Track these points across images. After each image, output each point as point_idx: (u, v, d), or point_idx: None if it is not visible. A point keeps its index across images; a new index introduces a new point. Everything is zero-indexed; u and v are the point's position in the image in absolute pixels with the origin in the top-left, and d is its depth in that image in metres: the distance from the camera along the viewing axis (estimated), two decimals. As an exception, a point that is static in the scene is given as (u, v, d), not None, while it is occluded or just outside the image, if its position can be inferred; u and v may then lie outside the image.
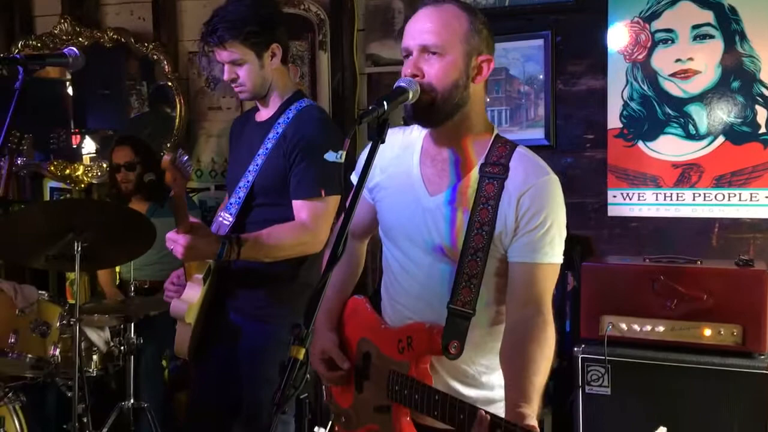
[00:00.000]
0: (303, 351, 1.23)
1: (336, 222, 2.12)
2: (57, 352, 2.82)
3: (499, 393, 1.48)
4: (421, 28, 1.48)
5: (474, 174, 1.51)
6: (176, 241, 2.02)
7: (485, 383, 1.57)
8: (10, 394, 2.78)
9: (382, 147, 1.58)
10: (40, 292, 2.91)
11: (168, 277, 2.29)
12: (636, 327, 2.52)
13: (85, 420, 2.69)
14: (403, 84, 1.44)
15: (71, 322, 2.66)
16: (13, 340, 2.76)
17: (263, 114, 2.30)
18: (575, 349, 2.57)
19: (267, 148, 2.20)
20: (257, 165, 2.20)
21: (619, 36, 2.97)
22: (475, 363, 1.55)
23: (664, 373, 2.44)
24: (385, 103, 1.37)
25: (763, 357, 2.38)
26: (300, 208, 2.15)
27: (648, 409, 2.43)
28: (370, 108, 1.37)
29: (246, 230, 2.18)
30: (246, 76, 2.18)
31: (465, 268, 1.46)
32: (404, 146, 1.63)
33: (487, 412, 1.28)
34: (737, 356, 2.39)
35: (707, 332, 2.44)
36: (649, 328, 2.51)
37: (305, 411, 1.31)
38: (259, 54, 2.17)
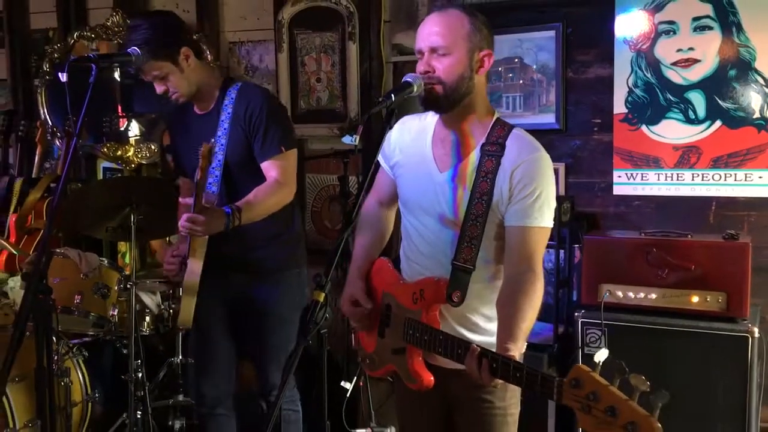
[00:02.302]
0: (323, 295, 1.48)
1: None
2: (116, 313, 3.10)
3: (499, 338, 1.72)
4: (429, 32, 1.72)
5: (473, 155, 1.76)
6: (195, 222, 2.19)
7: (487, 330, 1.81)
8: (74, 349, 3.08)
9: (401, 131, 1.89)
10: (100, 258, 3.20)
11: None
12: (631, 294, 2.69)
13: (140, 374, 2.95)
14: (408, 79, 1.68)
15: (128, 286, 2.93)
16: (78, 300, 3.04)
17: (203, 106, 2.48)
18: (576, 314, 2.75)
19: (225, 129, 2.38)
20: (222, 144, 2.37)
21: (625, 27, 3.13)
22: (477, 312, 1.80)
23: (655, 336, 2.62)
24: (392, 95, 1.62)
25: (745, 321, 2.54)
26: (268, 167, 2.37)
27: (640, 369, 2.65)
28: (380, 100, 1.62)
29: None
30: (174, 84, 2.38)
31: (467, 231, 1.71)
32: (420, 130, 1.88)
33: (477, 345, 1.54)
34: (722, 321, 2.55)
35: (695, 299, 2.60)
36: (642, 295, 2.67)
37: (325, 343, 1.60)
38: (175, 62, 2.35)
